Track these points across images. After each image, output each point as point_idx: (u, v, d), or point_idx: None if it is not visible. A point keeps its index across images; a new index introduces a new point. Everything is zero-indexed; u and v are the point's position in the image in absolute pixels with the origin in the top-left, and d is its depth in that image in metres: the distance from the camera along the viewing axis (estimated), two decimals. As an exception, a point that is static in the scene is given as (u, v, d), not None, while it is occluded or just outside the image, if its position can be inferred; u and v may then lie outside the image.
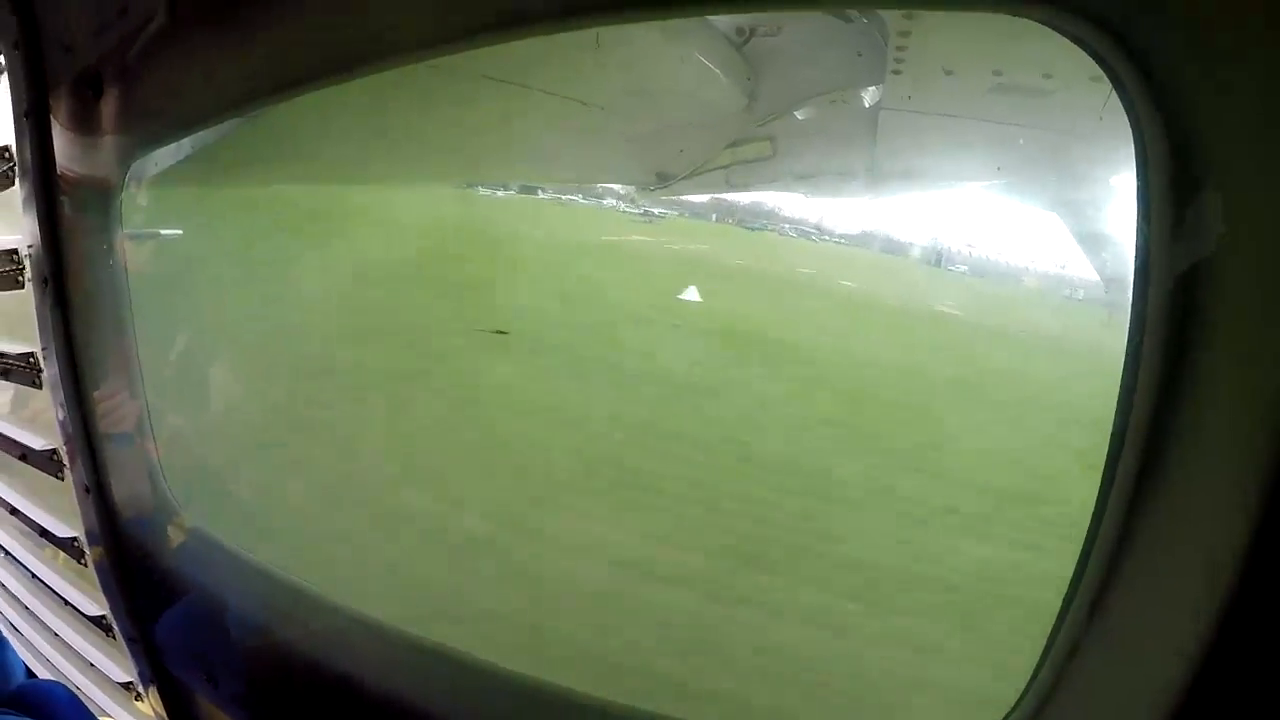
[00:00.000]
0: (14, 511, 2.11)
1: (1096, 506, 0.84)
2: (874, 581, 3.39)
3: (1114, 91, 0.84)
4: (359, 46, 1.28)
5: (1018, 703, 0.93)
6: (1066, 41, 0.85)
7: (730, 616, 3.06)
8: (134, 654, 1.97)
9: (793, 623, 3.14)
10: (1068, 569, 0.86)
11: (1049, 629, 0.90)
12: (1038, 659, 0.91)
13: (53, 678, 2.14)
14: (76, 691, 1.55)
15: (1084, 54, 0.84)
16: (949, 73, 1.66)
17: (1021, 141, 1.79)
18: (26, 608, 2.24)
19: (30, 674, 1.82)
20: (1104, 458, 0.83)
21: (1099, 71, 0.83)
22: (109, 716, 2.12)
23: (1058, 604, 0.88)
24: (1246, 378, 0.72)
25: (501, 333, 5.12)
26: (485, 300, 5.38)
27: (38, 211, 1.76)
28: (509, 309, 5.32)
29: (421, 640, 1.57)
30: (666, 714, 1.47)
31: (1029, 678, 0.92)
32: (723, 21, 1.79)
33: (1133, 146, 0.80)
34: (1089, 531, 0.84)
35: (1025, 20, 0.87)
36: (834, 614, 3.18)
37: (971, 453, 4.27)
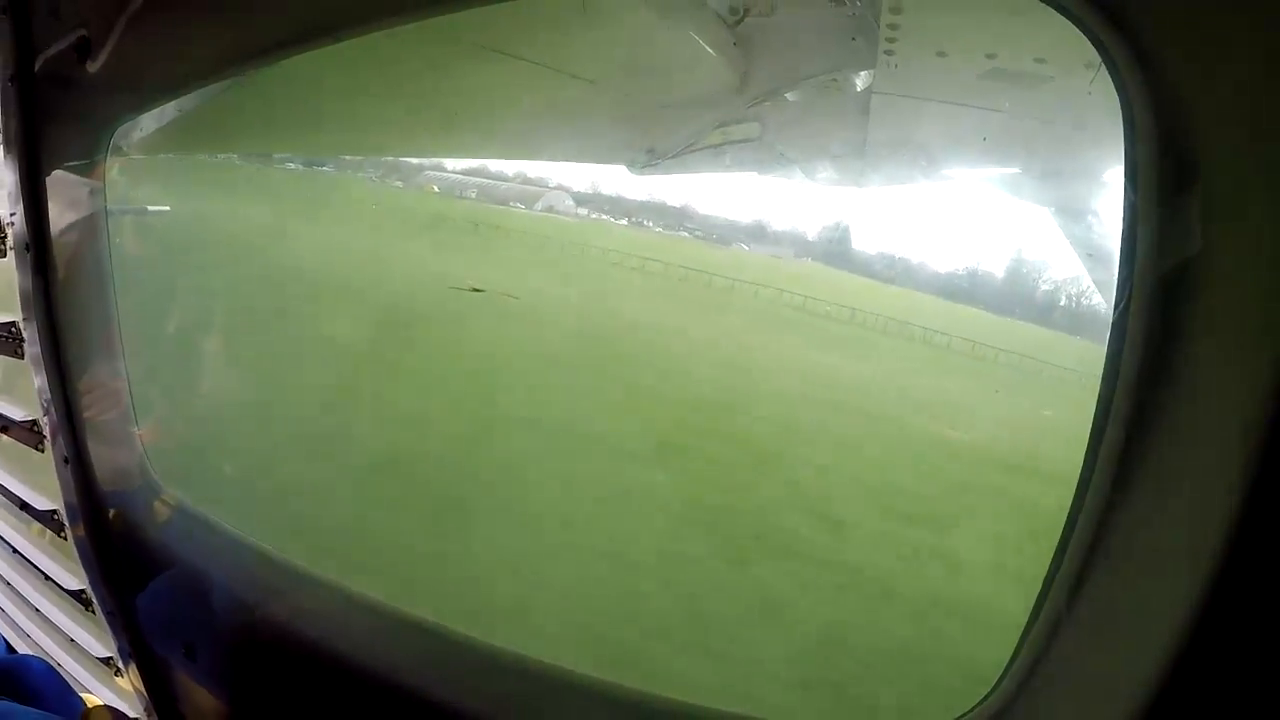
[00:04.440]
0: (-6, 485, 2.09)
1: (1074, 499, 0.83)
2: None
3: (1103, 70, 0.83)
4: (347, 7, 1.27)
5: (991, 690, 0.93)
6: (1059, 24, 0.84)
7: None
8: (113, 628, 1.94)
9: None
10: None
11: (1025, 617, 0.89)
12: (1013, 648, 0.90)
13: (32, 653, 2.12)
14: (56, 667, 1.52)
15: (1077, 39, 0.83)
16: (941, 54, 1.66)
17: (1010, 130, 1.78)
18: (7, 582, 2.22)
19: (10, 649, 1.79)
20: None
21: (1092, 58, 0.82)
22: (89, 692, 2.10)
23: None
24: (1228, 374, 0.72)
25: (478, 290, 5.32)
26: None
27: (20, 178, 1.73)
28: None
29: (400, 613, 1.56)
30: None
31: (1005, 665, 0.92)
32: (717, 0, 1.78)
33: (1121, 142, 0.79)
34: (1067, 521, 0.84)
35: None
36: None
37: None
